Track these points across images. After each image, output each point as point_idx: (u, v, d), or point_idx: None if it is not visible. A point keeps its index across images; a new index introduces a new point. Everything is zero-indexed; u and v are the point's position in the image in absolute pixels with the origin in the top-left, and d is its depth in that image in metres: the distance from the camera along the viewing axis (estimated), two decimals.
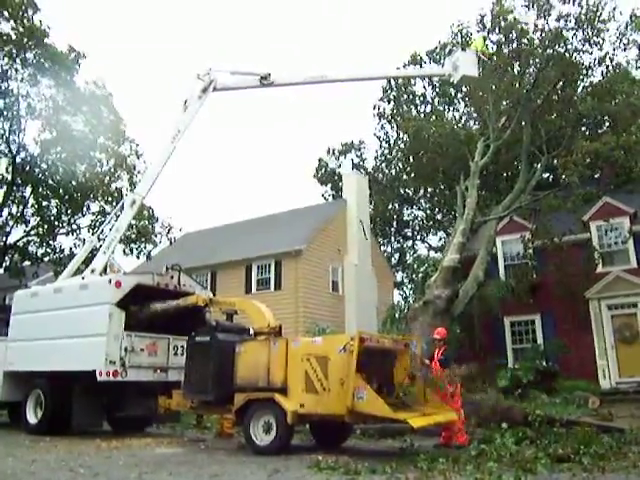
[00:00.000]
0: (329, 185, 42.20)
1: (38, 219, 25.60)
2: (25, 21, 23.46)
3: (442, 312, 17.16)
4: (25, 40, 23.39)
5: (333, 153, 42.39)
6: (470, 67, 14.78)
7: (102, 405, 12.75)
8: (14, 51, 23.63)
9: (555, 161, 21.04)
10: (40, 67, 24.06)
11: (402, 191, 38.99)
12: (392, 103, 36.73)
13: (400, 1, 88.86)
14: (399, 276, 41.96)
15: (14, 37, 23.34)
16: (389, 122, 37.70)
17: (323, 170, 42.43)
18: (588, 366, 19.79)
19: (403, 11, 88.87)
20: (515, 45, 20.94)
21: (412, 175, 32.56)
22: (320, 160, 42.47)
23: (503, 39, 21.12)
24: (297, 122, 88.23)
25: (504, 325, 22.76)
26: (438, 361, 10.90)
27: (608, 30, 20.73)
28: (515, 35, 20.79)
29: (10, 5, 22.98)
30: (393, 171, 39.16)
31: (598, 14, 20.16)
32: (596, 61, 21.56)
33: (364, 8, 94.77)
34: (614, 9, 20.44)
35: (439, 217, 38.68)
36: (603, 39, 20.85)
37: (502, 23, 20.76)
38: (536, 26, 20.74)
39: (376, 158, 40.79)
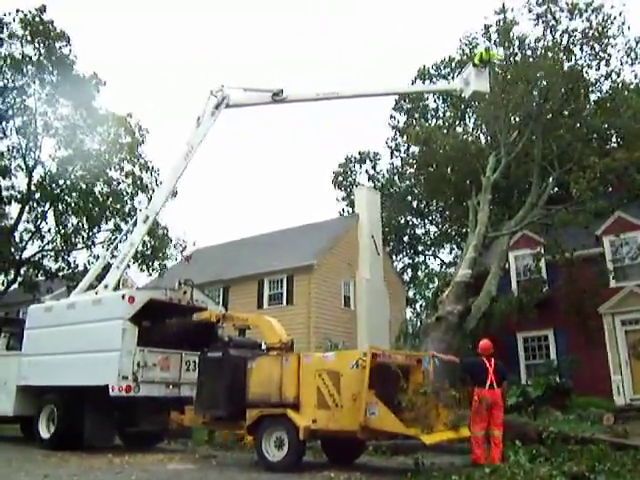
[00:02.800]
0: (346, 191, 42.39)
1: (55, 234, 25.77)
2: (57, 52, 24.05)
3: (455, 328, 17.06)
4: (48, 64, 23.91)
5: (351, 161, 42.62)
6: (481, 82, 14.73)
7: (114, 420, 12.78)
8: (33, 71, 24.05)
9: (567, 176, 20.99)
10: (59, 88, 24.43)
11: (414, 204, 39.02)
12: (405, 115, 37.02)
13: (410, 15, 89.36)
14: (411, 291, 41.91)
15: (36, 59, 23.84)
16: (401, 135, 37.95)
17: (341, 177, 42.67)
18: (602, 382, 19.59)
19: (413, 25, 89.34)
20: (520, 56, 21.04)
21: (423, 188, 32.50)
22: (342, 165, 42.73)
23: (509, 51, 21.22)
24: (310, 135, 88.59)
25: (517, 341, 22.61)
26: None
27: (616, 45, 20.75)
28: (520, 47, 20.94)
29: (47, 36, 23.56)
30: (404, 185, 39.25)
31: (606, 30, 20.18)
32: (603, 77, 21.56)
33: (373, 22, 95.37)
34: (623, 24, 20.47)
35: (451, 231, 38.63)
36: (610, 55, 20.86)
37: (508, 35, 20.90)
38: (541, 38, 20.83)
39: (388, 171, 40.98)
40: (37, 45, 23.90)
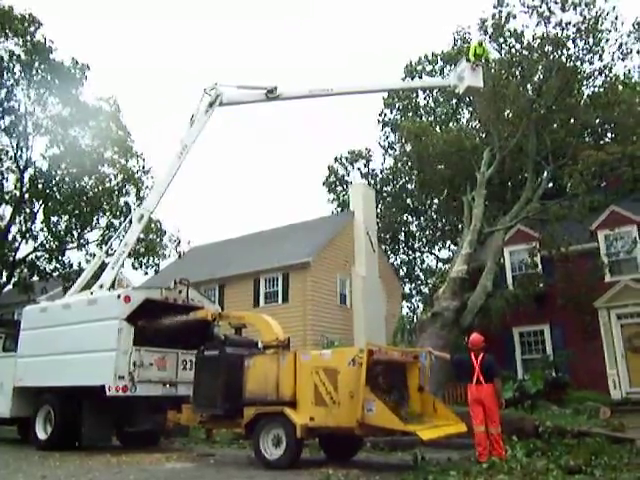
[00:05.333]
0: (338, 191, 42.16)
1: (47, 234, 25.69)
2: (29, 37, 23.71)
3: (451, 323, 17.10)
4: (32, 57, 23.64)
5: (341, 161, 42.40)
6: (475, 78, 14.72)
7: (111, 420, 12.76)
8: (20, 69, 23.87)
9: (561, 170, 21.05)
10: (47, 84, 24.26)
11: (409, 202, 39.00)
12: (395, 112, 37.01)
13: (404, 9, 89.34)
14: (407, 287, 41.94)
15: (23, 56, 23.61)
16: (393, 131, 37.95)
17: (333, 177, 42.38)
18: (598, 376, 19.65)
19: (406, 20, 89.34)
20: (515, 50, 21.09)
21: (417, 184, 32.49)
22: (330, 167, 42.47)
23: (502, 45, 21.29)
24: (306, 133, 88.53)
25: (513, 336, 22.67)
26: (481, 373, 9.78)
27: (608, 40, 20.79)
28: (514, 41, 21.02)
29: (13, 22, 23.26)
30: (400, 183, 39.22)
31: (599, 24, 20.22)
32: (597, 72, 21.59)
33: (366, 18, 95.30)
34: (616, 18, 20.51)
35: (446, 228, 38.62)
36: (603, 48, 20.89)
37: (502, 29, 20.96)
38: (535, 34, 20.90)
39: (382, 171, 40.90)
40: (14, 35, 23.56)
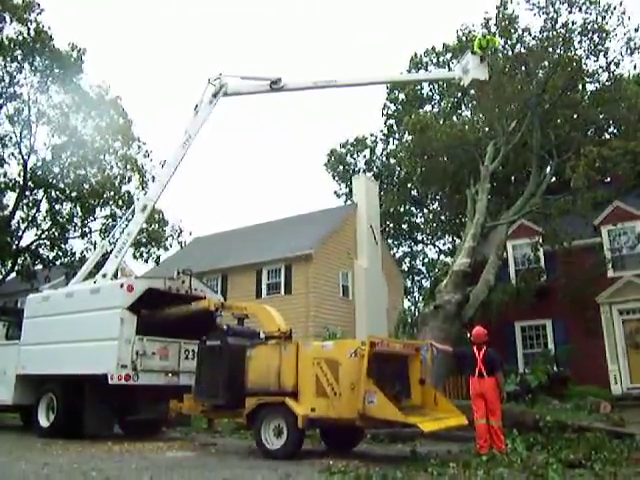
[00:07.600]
0: (342, 177, 42.02)
1: (50, 222, 25.75)
2: (29, 24, 23.71)
3: (452, 317, 17.11)
4: (33, 44, 23.63)
5: (345, 146, 42.13)
6: (480, 70, 14.71)
7: (114, 409, 12.80)
8: (22, 55, 23.86)
9: (565, 165, 21.00)
10: (48, 72, 24.28)
11: (413, 192, 38.88)
12: (399, 105, 36.86)
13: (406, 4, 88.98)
14: (409, 280, 41.92)
15: (22, 40, 23.58)
16: (396, 123, 37.81)
17: (334, 159, 42.11)
18: (599, 371, 19.69)
19: (410, 14, 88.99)
20: (520, 48, 20.99)
21: (419, 176, 32.38)
22: (333, 151, 42.25)
23: (507, 42, 21.18)
24: (309, 123, 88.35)
25: (515, 330, 22.70)
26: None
27: (616, 36, 20.64)
28: (519, 39, 20.93)
29: (12, 7, 23.22)
30: (403, 172, 39.11)
31: (605, 21, 20.10)
32: (601, 69, 21.46)
33: (369, 12, 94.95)
34: (623, 13, 20.36)
35: (450, 220, 38.52)
36: (607, 48, 20.76)
37: (508, 27, 20.84)
38: (541, 32, 20.77)
39: (386, 155, 40.71)
40: (14, 19, 23.55)
